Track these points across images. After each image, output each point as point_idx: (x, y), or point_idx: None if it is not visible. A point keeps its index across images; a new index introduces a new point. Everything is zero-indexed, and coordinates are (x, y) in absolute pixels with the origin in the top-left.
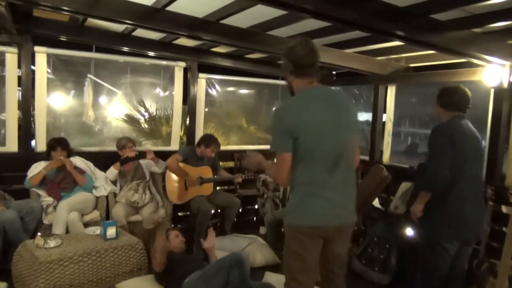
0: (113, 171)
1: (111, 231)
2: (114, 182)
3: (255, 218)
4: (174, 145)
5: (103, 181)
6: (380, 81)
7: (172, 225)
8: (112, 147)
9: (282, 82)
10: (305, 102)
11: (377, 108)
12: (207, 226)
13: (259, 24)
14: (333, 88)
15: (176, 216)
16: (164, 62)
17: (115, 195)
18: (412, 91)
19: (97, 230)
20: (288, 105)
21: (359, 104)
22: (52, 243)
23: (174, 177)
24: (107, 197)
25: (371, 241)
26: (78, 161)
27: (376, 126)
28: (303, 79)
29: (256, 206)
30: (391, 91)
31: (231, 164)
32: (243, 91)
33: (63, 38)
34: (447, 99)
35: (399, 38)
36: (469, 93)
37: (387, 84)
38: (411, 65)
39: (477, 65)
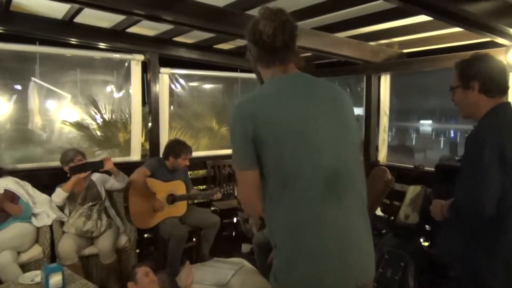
0: (60, 194)
1: (55, 279)
2: (61, 208)
3: (233, 233)
4: (135, 155)
5: (46, 207)
6: (373, 70)
7: (137, 250)
8: (58, 162)
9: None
10: (276, 92)
11: (370, 101)
12: (181, 253)
13: (236, 3)
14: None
15: (142, 238)
16: (117, 55)
17: (62, 223)
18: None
19: (37, 276)
20: (248, 98)
21: None
22: None
23: (139, 195)
24: (51, 227)
25: (381, 259)
26: (10, 183)
27: (370, 121)
28: (273, 68)
29: (235, 219)
30: (385, 81)
31: (203, 172)
32: (212, 87)
33: None
34: (489, 75)
35: (427, 9)
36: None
37: (380, 73)
38: (405, 51)
39: (492, 46)
